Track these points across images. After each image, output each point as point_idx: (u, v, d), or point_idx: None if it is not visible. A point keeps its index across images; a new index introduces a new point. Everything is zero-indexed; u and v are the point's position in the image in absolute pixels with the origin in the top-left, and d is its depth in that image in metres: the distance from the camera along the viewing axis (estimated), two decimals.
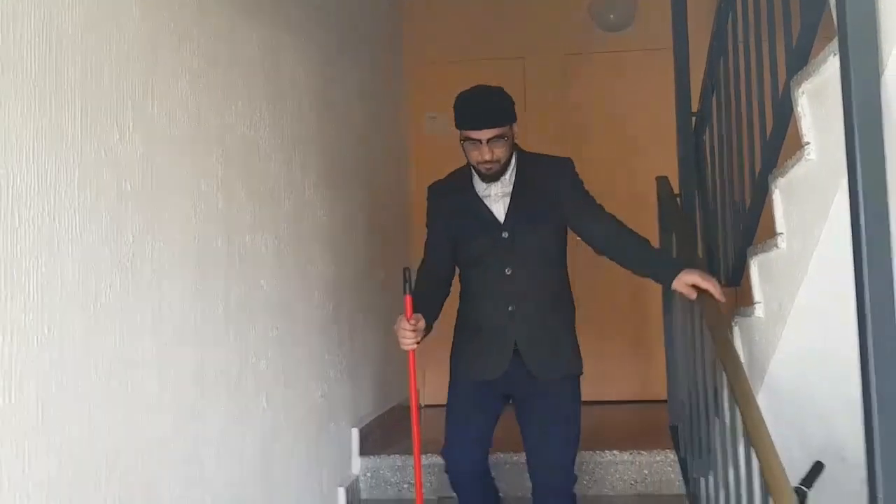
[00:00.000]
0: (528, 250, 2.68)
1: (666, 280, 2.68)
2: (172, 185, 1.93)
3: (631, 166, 4.92)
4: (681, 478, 3.40)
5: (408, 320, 2.56)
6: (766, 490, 2.08)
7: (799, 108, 2.27)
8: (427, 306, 2.66)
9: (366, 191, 3.96)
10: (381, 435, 3.81)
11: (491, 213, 2.69)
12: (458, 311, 2.82)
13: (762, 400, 2.70)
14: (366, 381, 3.79)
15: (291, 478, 2.70)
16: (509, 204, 2.68)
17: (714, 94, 3.41)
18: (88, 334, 1.56)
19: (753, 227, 2.92)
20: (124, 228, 1.70)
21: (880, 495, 1.77)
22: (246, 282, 2.37)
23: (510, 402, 2.79)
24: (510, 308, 2.67)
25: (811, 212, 2.26)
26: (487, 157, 2.60)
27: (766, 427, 2.21)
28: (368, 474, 3.57)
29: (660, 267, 2.72)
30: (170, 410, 1.87)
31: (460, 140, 2.65)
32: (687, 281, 2.59)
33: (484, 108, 2.61)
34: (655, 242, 3.82)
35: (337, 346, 3.31)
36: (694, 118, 3.75)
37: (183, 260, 1.96)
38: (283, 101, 2.77)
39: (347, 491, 3.31)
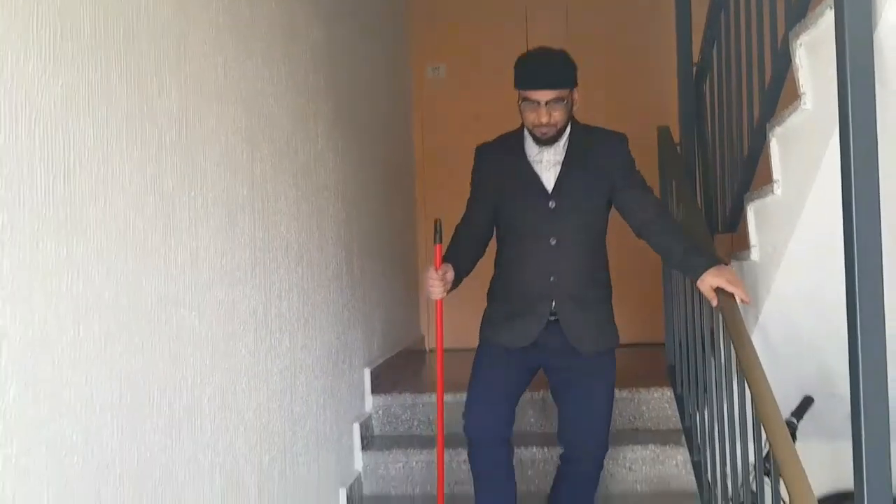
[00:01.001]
0: (573, 222, 2.64)
1: (691, 278, 2.67)
2: (203, 137, 2.04)
3: (633, 115, 5.02)
4: (677, 413, 3.56)
5: (436, 270, 2.55)
6: (759, 420, 2.22)
7: (797, 60, 2.34)
8: (461, 261, 2.66)
9: (373, 141, 4.07)
10: (392, 375, 3.97)
11: (540, 180, 2.63)
12: (494, 277, 2.78)
13: (756, 339, 2.82)
14: (376, 325, 3.94)
15: (311, 411, 2.86)
16: (560, 173, 2.62)
17: (714, 45, 3.49)
18: (138, 274, 1.69)
19: (751, 174, 3.02)
20: (165, 177, 1.82)
21: (863, 427, 1.90)
22: (268, 228, 2.49)
23: (537, 373, 2.79)
24: (552, 279, 2.63)
25: (806, 159, 2.36)
26: (544, 119, 2.52)
27: (759, 363, 2.34)
28: (380, 412, 3.74)
29: (688, 264, 2.64)
30: (207, 345, 2.02)
31: (518, 101, 2.57)
32: (712, 284, 2.53)
33: (545, 68, 2.52)
34: (655, 189, 3.95)
35: (350, 290, 3.44)
36: (695, 68, 3.84)
37: (214, 207, 2.09)
38: (298, 57, 2.86)
39: (362, 426, 3.48)
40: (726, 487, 2.68)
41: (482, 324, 2.78)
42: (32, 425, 1.36)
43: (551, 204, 2.62)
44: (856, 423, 1.89)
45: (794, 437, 2.97)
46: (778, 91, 2.73)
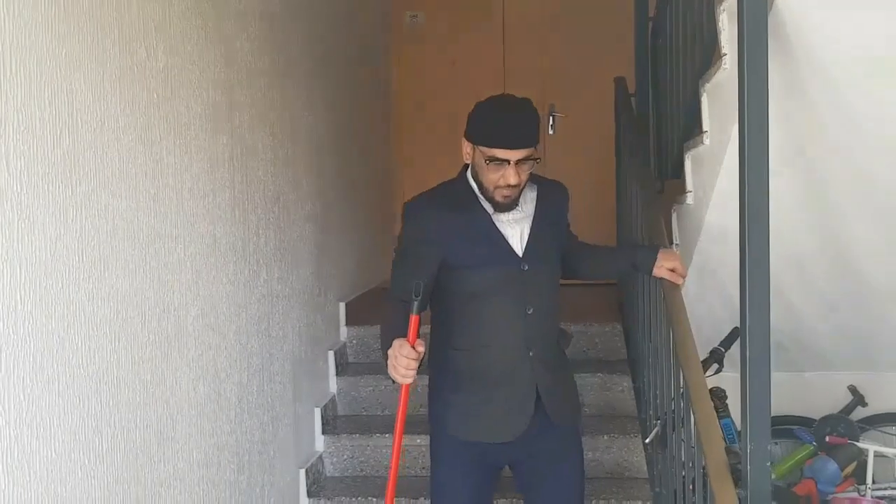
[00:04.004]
0: (543, 284, 2.37)
1: (646, 271, 2.54)
2: (186, 92, 2.31)
3: (594, 69, 5.25)
4: (625, 345, 3.87)
5: (412, 347, 2.04)
6: (677, 360, 2.41)
7: (719, 24, 2.60)
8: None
9: (350, 87, 4.29)
10: (366, 309, 4.26)
11: (506, 240, 2.31)
12: (446, 356, 2.36)
13: (692, 273, 3.11)
14: (348, 263, 4.21)
15: (288, 336, 3.17)
16: (529, 232, 2.35)
17: (668, 2, 3.73)
18: (133, 211, 1.99)
19: (691, 125, 3.29)
20: (153, 130, 2.10)
21: (749, 354, 2.13)
22: (246, 173, 2.77)
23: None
24: (530, 353, 2.33)
25: (727, 113, 2.62)
26: (513, 181, 2.21)
27: (684, 309, 2.57)
28: (354, 341, 4.05)
29: (637, 261, 2.54)
30: (191, 274, 2.32)
31: (483, 160, 2.22)
32: (668, 266, 2.47)
33: (518, 123, 2.22)
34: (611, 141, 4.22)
35: (322, 231, 3.71)
36: (650, 23, 4.09)
37: (197, 153, 2.37)
38: (272, 14, 3.10)
39: (336, 354, 3.81)
40: (656, 408, 3.01)
41: (441, 409, 2.39)
42: (45, 334, 1.68)
43: (525, 267, 2.31)
44: (742, 352, 2.06)
45: (721, 363, 3.29)
46: (711, 49, 2.97)
